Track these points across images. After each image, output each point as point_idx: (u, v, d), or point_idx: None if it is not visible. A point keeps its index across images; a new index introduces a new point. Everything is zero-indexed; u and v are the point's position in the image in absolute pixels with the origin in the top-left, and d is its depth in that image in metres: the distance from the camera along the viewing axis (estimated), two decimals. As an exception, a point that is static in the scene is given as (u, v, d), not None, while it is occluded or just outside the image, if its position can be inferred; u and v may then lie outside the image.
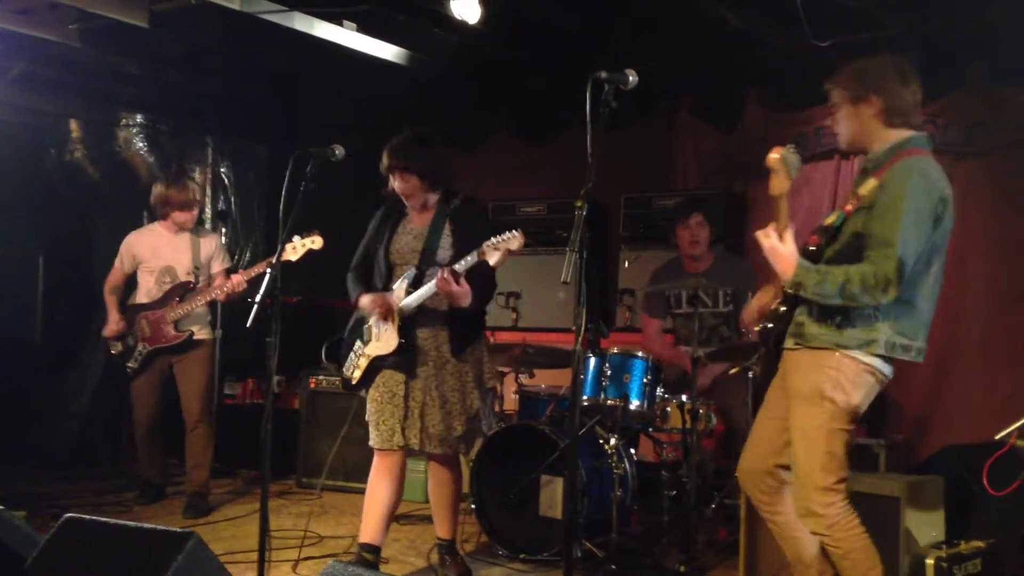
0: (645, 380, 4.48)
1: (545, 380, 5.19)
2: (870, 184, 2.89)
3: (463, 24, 5.06)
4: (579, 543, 4.11)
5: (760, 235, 2.90)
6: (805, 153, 5.30)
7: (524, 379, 5.11)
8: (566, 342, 5.42)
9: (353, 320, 3.91)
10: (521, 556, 4.28)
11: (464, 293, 3.57)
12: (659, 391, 4.55)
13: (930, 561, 3.39)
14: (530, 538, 4.27)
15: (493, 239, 3.50)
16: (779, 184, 2.91)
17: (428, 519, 5.13)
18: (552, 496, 4.23)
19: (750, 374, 4.54)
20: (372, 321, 3.80)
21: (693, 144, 6.28)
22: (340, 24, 5.20)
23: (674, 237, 5.10)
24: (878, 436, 4.86)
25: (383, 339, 3.75)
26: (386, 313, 3.73)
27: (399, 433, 3.73)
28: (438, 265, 3.67)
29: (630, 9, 5.05)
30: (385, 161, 3.79)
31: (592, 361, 4.51)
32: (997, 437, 2.98)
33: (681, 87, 6.20)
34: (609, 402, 4.45)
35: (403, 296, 3.70)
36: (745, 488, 3.25)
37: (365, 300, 3.80)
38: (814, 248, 2.95)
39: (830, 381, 2.89)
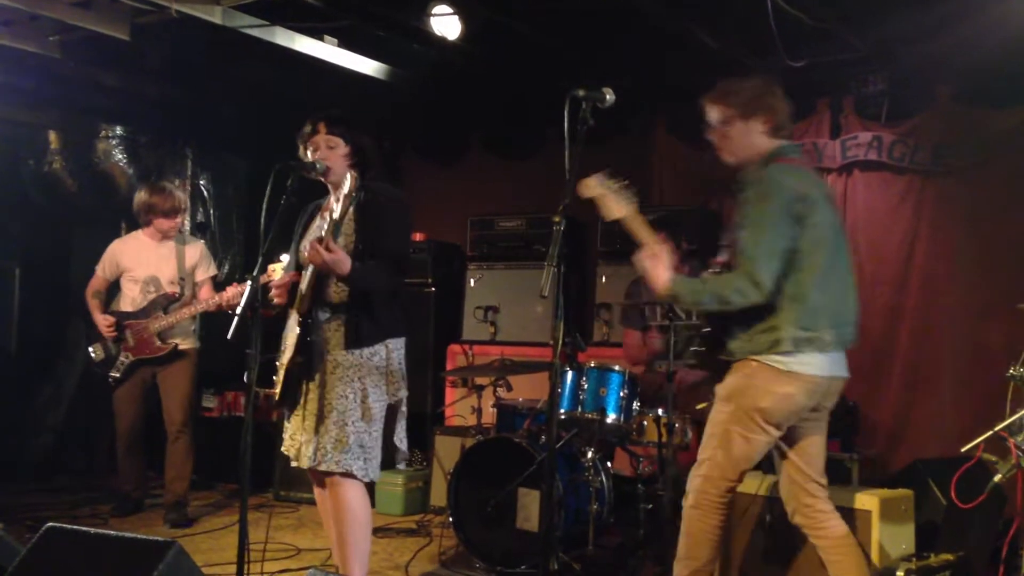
0: (622, 394, 4.51)
1: (523, 393, 5.23)
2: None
3: (443, 40, 5.13)
4: (556, 556, 4.13)
5: (641, 256, 3.02)
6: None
7: (501, 392, 5.13)
8: (544, 356, 5.48)
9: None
10: (498, 569, 4.31)
11: (338, 259, 3.24)
12: (635, 405, 4.59)
13: (900, 574, 3.45)
14: (507, 551, 4.30)
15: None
16: (613, 209, 3.06)
17: (406, 531, 5.18)
18: (529, 509, 4.27)
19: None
20: (289, 323, 3.53)
21: (670, 161, 6.34)
22: (321, 39, 5.24)
23: None
24: (851, 450, 4.92)
25: (288, 340, 3.48)
26: (285, 291, 3.47)
27: (294, 449, 3.47)
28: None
29: (608, 28, 5.12)
30: (308, 126, 3.51)
31: (569, 374, 4.55)
32: (964, 450, 3.03)
33: (657, 105, 6.27)
34: (586, 415, 4.49)
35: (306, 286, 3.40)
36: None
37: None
38: (718, 269, 3.14)
39: (739, 386, 3.06)
